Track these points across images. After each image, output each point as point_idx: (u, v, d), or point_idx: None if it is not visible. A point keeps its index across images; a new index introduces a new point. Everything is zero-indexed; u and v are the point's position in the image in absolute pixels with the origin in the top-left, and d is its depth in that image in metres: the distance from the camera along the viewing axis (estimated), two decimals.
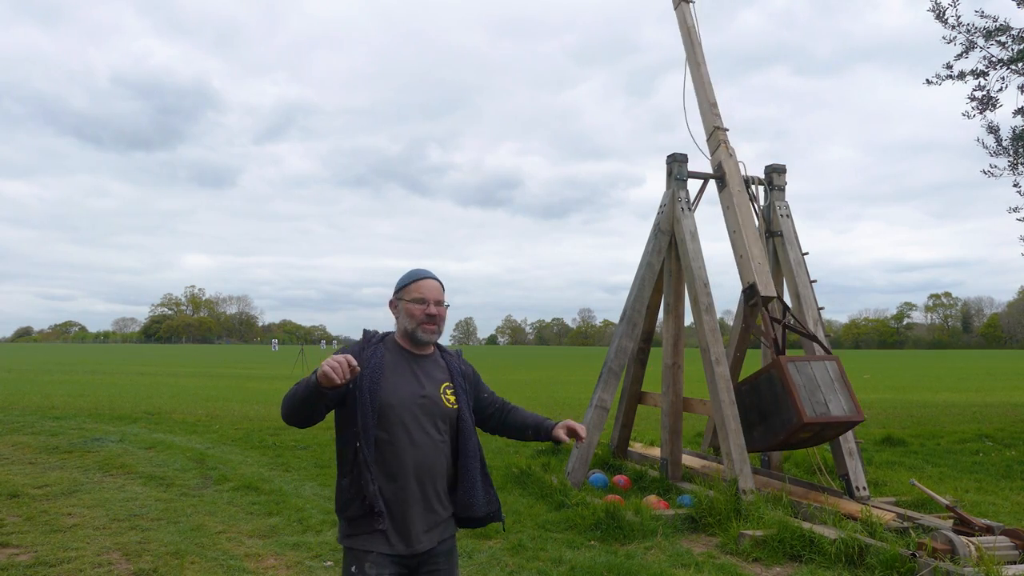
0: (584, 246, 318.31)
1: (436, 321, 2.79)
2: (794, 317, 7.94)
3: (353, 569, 2.64)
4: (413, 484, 2.67)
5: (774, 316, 7.76)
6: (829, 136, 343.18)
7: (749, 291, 7.70)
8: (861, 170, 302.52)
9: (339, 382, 2.39)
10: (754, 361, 8.93)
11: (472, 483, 2.79)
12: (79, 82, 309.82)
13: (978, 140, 13.90)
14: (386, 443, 2.65)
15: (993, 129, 13.74)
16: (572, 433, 2.89)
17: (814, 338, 7.73)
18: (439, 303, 2.80)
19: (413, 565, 2.71)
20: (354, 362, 2.42)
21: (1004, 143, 13.67)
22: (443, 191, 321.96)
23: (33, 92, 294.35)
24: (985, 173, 13.88)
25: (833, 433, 7.00)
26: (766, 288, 7.54)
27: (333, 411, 2.72)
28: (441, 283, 2.87)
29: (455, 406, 2.79)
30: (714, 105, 8.52)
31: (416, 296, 2.79)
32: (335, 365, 2.38)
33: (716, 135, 8.36)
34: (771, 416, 7.00)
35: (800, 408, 6.55)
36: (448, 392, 2.79)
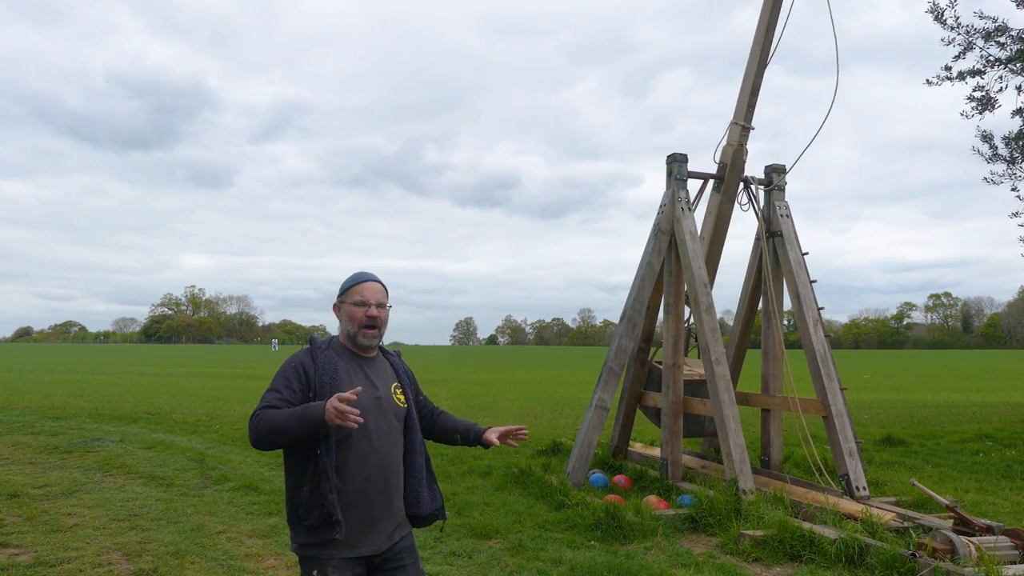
0: (583, 246, 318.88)
1: (377, 324, 2.79)
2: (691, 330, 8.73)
3: (315, 573, 2.63)
4: (378, 485, 2.69)
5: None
6: (826, 136, 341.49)
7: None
8: (859, 170, 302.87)
9: (353, 425, 2.41)
10: (754, 361, 8.93)
11: (419, 480, 2.81)
12: (75, 81, 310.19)
13: (974, 149, 13.91)
14: (349, 447, 2.66)
15: (987, 137, 13.74)
16: (505, 437, 2.96)
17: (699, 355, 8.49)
18: (380, 305, 2.81)
19: (376, 563, 2.74)
20: (346, 405, 2.41)
21: (998, 150, 13.67)
22: (440, 191, 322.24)
23: (29, 91, 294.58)
24: (987, 180, 13.88)
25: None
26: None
27: None
28: (384, 285, 2.88)
29: (405, 404, 2.84)
30: (755, 93, 7.97)
31: (357, 299, 2.79)
32: (347, 412, 2.38)
33: (738, 131, 8.11)
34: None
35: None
36: (398, 391, 2.84)
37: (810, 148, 8.21)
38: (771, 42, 7.84)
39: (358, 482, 2.67)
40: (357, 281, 2.83)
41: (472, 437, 2.99)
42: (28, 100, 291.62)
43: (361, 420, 2.45)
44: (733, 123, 8.20)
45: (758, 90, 8.03)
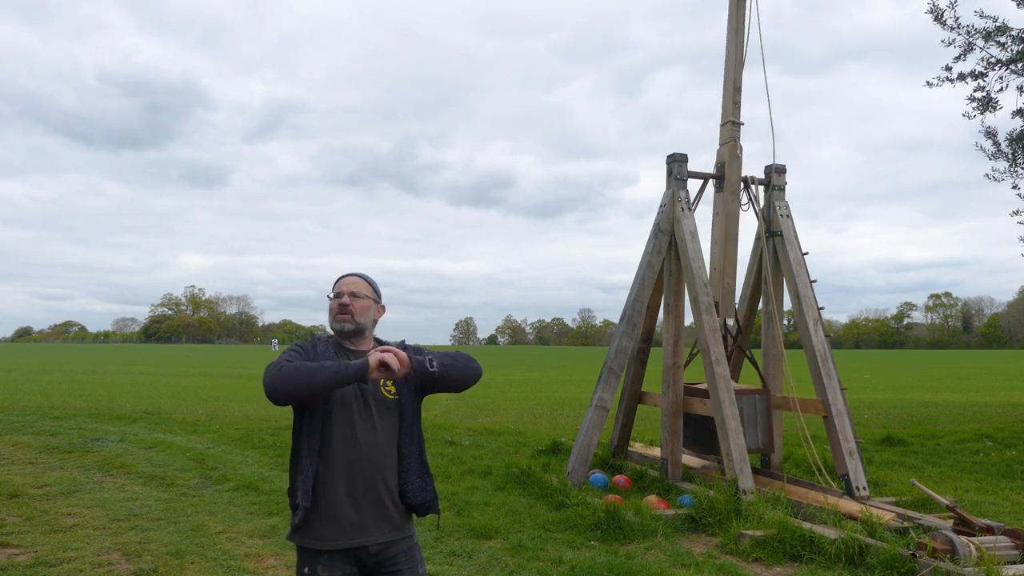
0: (580, 246, 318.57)
1: (347, 310, 2.85)
2: (748, 343, 8.59)
3: (306, 571, 2.70)
4: (359, 480, 2.70)
5: (730, 336, 8.29)
6: (821, 135, 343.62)
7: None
8: (855, 169, 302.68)
9: (398, 374, 2.59)
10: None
11: (407, 469, 2.81)
12: (67, 80, 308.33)
13: (976, 145, 13.89)
14: (331, 440, 2.70)
15: (991, 134, 13.73)
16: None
17: (756, 367, 8.44)
18: (354, 295, 2.87)
19: (370, 564, 2.74)
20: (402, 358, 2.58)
21: (1002, 147, 13.66)
22: (436, 190, 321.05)
23: (21, 90, 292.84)
24: (988, 177, 13.87)
25: None
26: (725, 311, 8.06)
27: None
28: (365, 279, 2.95)
29: (395, 396, 2.83)
30: (738, 91, 8.18)
31: (334, 292, 2.91)
32: (397, 361, 2.56)
33: (729, 128, 8.22)
34: (699, 432, 8.02)
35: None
36: (388, 383, 2.84)
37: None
38: (743, 41, 8.17)
39: (339, 474, 2.69)
40: (337, 279, 2.96)
41: None
42: (20, 99, 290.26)
43: (405, 367, 2.57)
44: (722, 123, 8.32)
45: (740, 88, 8.20)
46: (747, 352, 8.60)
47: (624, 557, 5.61)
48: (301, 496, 2.67)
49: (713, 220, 8.25)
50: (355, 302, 2.86)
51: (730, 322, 8.27)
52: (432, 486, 2.88)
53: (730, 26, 8.24)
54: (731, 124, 8.21)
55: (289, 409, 2.80)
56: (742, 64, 8.19)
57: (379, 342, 2.97)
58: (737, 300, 9.10)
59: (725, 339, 8.15)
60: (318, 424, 2.70)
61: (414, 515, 2.90)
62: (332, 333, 2.95)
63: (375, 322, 2.95)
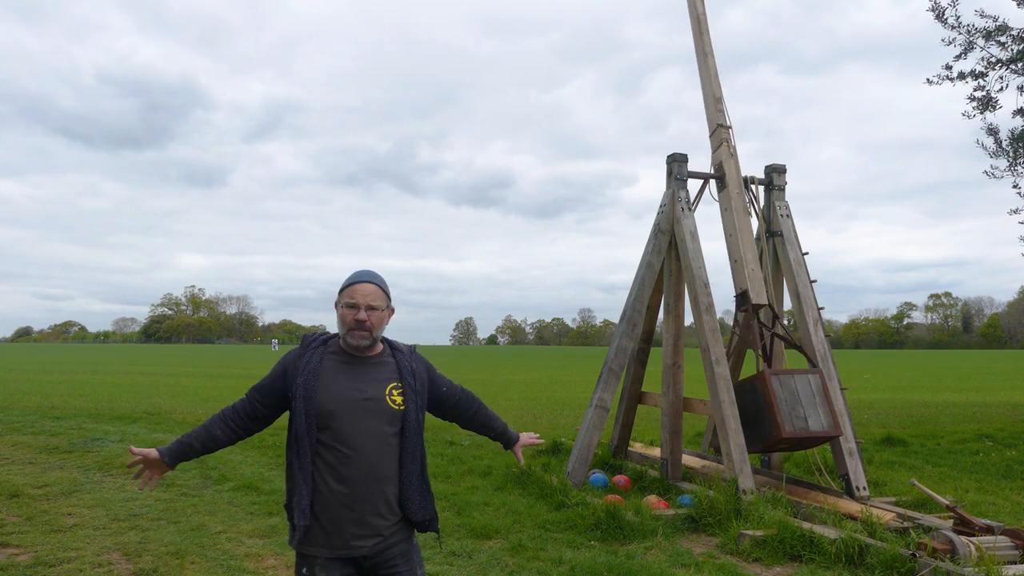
0: (579, 246, 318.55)
1: (366, 327, 2.71)
2: (783, 326, 8.10)
3: (304, 571, 2.69)
4: (357, 488, 2.65)
5: (764, 324, 7.95)
6: (820, 135, 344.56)
7: (741, 298, 7.86)
8: (855, 169, 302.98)
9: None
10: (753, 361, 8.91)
11: (408, 485, 2.74)
12: (65, 80, 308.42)
13: (978, 142, 13.88)
14: (327, 448, 2.64)
15: (992, 131, 13.72)
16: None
17: (800, 349, 7.92)
18: (371, 308, 2.72)
19: (367, 567, 2.71)
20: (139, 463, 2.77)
21: (1004, 144, 13.65)
22: (435, 190, 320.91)
23: (19, 90, 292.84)
24: (987, 175, 13.86)
25: (810, 445, 7.31)
26: (758, 296, 7.70)
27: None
28: (381, 286, 2.80)
29: (401, 407, 2.73)
30: (719, 100, 8.37)
31: (348, 300, 2.74)
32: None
33: (719, 133, 8.30)
34: (752, 425, 7.23)
35: (780, 423, 6.84)
36: (395, 392, 2.73)
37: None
38: (713, 63, 8.49)
39: (337, 484, 2.64)
40: (350, 283, 2.78)
41: (503, 443, 3.33)
42: (19, 99, 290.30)
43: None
44: (711, 132, 8.40)
45: (720, 98, 8.39)
46: (785, 335, 8.09)
47: (624, 557, 5.61)
48: (298, 516, 2.62)
49: (722, 216, 8.22)
50: (371, 315, 2.72)
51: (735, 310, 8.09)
52: (432, 504, 2.82)
53: (698, 50, 8.62)
54: (720, 128, 8.30)
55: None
56: (718, 83, 8.47)
57: (390, 345, 2.88)
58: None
59: (761, 327, 7.91)
60: (307, 438, 2.63)
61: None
62: (333, 334, 2.87)
63: (385, 326, 2.84)
